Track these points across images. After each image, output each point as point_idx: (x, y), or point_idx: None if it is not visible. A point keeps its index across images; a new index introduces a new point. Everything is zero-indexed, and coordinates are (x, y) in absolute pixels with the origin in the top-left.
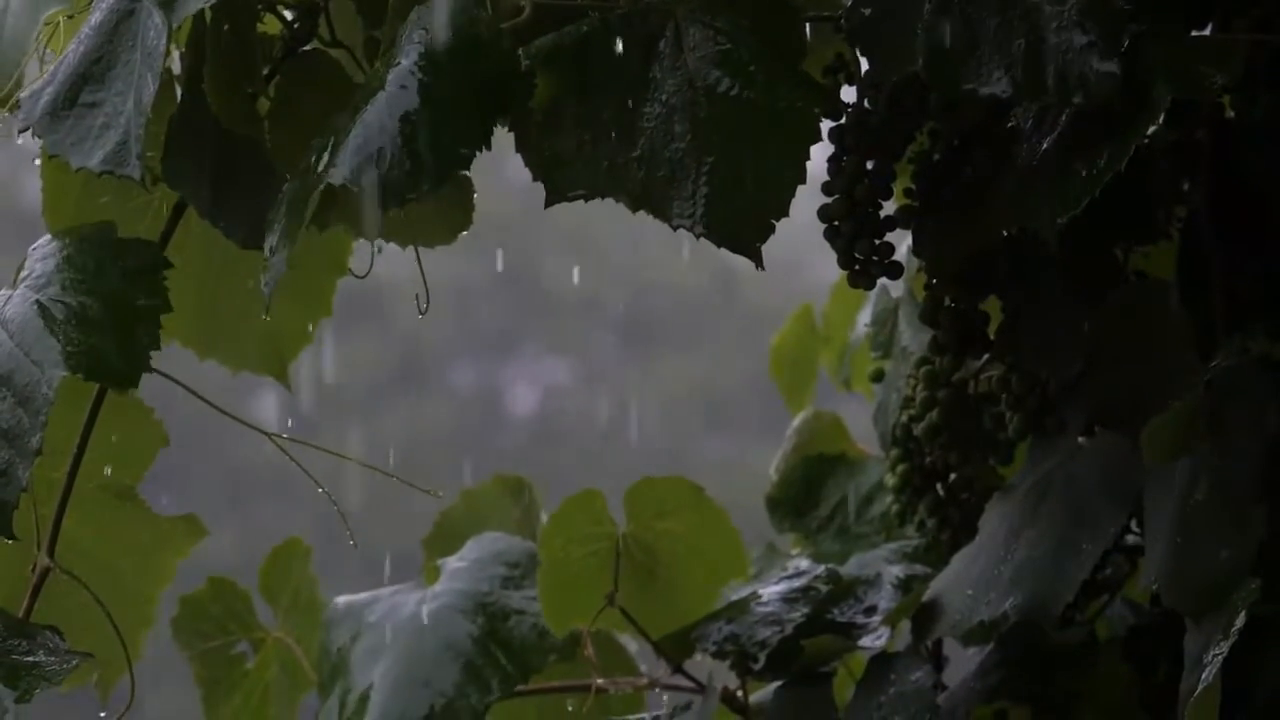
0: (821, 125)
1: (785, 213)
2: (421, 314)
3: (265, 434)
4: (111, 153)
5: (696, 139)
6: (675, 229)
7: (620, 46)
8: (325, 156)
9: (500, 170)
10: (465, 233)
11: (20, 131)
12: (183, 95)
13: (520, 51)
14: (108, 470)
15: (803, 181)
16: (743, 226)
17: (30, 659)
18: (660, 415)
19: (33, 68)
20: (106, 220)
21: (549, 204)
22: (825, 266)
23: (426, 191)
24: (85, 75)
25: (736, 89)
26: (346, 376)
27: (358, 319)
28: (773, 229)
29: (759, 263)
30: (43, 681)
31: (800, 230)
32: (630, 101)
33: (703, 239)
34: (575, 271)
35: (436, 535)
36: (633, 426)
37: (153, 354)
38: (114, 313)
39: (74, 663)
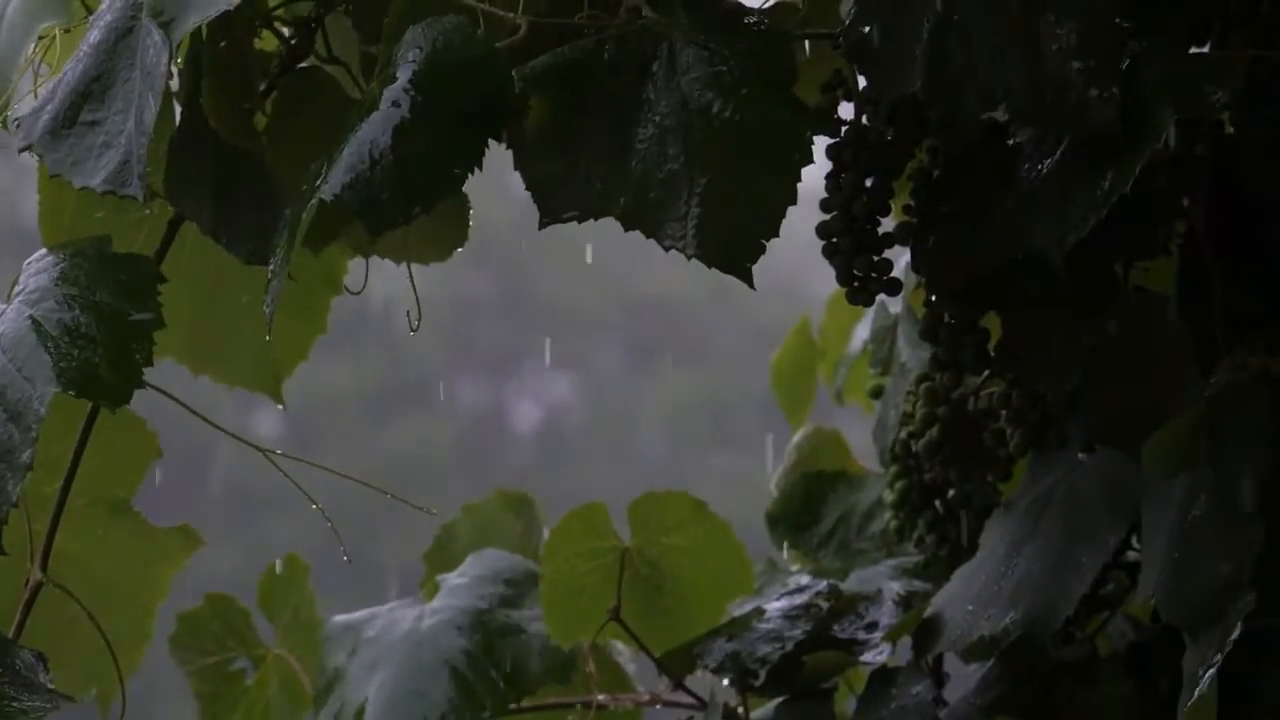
0: (814, 146)
1: (776, 233)
2: (414, 330)
3: (260, 450)
4: (113, 172)
5: (689, 160)
6: (667, 249)
7: (614, 68)
8: (322, 175)
9: (502, 185)
10: (461, 249)
11: (20, 151)
12: (182, 112)
13: (515, 73)
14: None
15: (794, 202)
16: (734, 247)
17: (11, 695)
18: (664, 430)
19: (27, 81)
20: (101, 235)
21: (543, 225)
22: (827, 280)
23: (418, 213)
24: (85, 94)
25: (729, 111)
26: (349, 392)
27: (361, 335)
28: (763, 249)
29: (750, 283)
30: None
31: (802, 244)
32: (624, 123)
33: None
34: (578, 286)
35: (437, 549)
36: (636, 442)
37: (152, 368)
38: (107, 328)
39: (54, 704)
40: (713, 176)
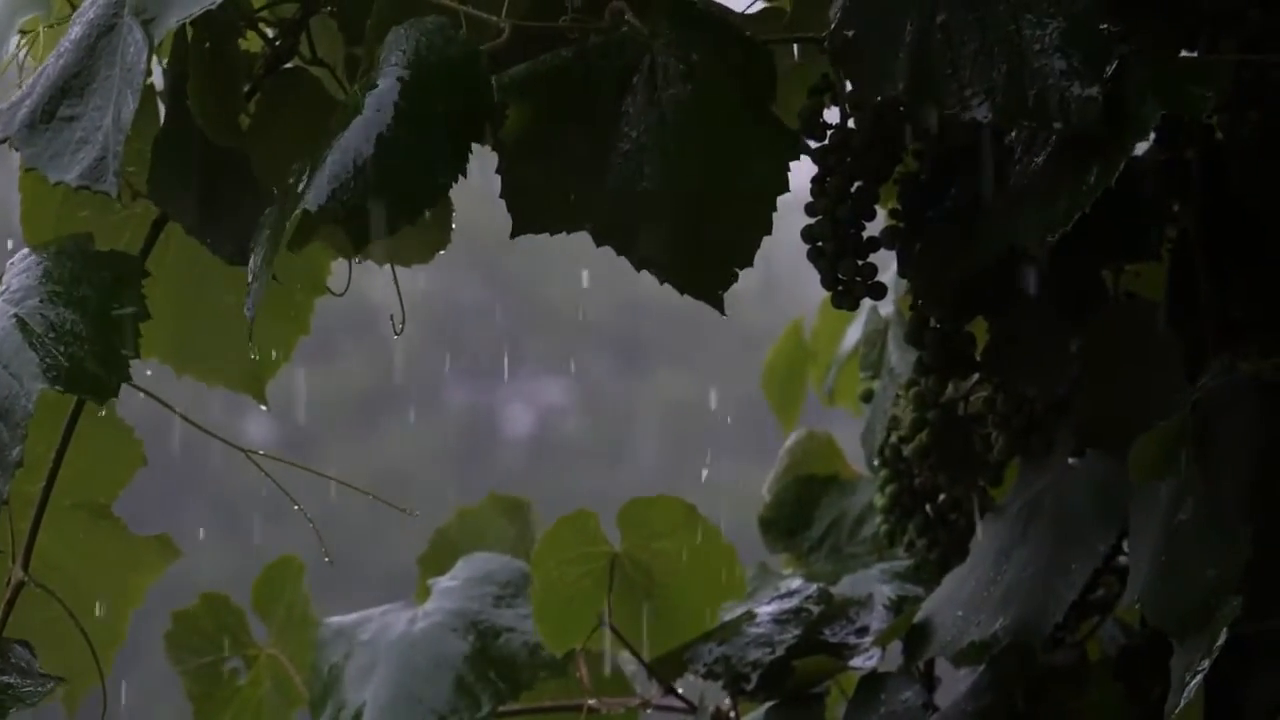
0: (791, 167)
1: (749, 262)
2: (398, 333)
3: (244, 451)
4: (89, 168)
5: (666, 180)
6: (638, 269)
7: (594, 79)
8: (304, 180)
9: (492, 188)
10: (443, 251)
11: None
12: (166, 111)
13: (494, 80)
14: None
15: (769, 232)
16: (706, 273)
17: (4, 679)
18: (657, 434)
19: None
20: (84, 233)
21: (514, 234)
22: (820, 284)
23: (404, 224)
24: (64, 89)
25: (707, 133)
26: (342, 396)
27: (352, 338)
28: (736, 277)
29: (720, 308)
30: (17, 703)
31: (795, 248)
32: (602, 136)
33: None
34: (570, 290)
35: (432, 553)
36: (630, 445)
37: (146, 372)
38: (92, 323)
39: (49, 686)
40: (687, 201)
